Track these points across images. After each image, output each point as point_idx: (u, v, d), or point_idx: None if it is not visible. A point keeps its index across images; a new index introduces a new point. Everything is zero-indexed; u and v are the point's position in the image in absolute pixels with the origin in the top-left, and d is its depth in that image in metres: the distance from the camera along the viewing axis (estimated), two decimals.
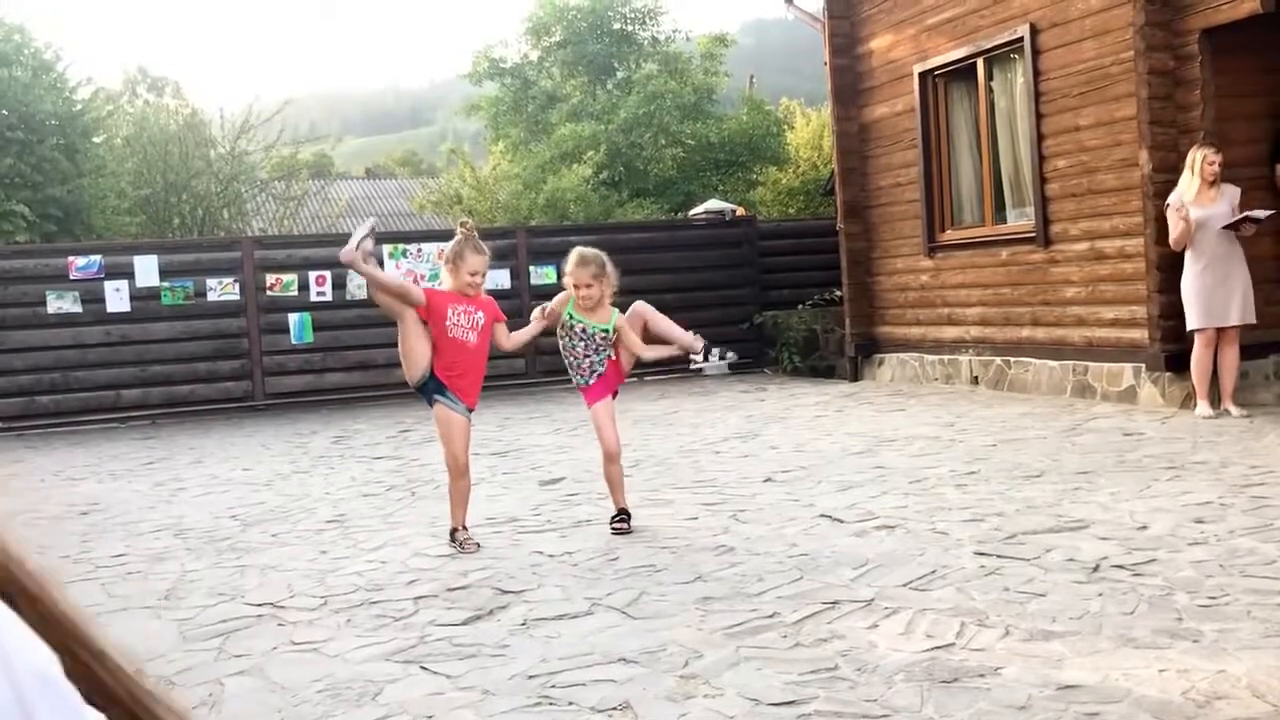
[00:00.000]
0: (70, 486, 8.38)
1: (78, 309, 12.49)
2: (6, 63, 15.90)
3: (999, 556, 4.67)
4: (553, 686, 3.49)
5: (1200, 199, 8.10)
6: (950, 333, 11.34)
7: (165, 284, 12.77)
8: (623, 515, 5.66)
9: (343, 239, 16.83)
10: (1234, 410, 8.07)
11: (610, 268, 5.80)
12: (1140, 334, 8.99)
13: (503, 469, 7.89)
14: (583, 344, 5.74)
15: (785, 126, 24.27)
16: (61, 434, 12.05)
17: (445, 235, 14.44)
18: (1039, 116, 9.92)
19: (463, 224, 5.77)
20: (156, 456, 9.84)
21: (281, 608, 4.63)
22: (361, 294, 13.35)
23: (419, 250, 13.65)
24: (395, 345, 13.85)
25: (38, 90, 16.02)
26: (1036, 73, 9.90)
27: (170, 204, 20.44)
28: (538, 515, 6.15)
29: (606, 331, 5.72)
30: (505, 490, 7.04)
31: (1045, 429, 8.07)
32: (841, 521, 5.51)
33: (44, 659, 0.57)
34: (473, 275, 5.52)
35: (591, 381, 5.76)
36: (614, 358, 5.80)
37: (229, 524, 6.53)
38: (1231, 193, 8.14)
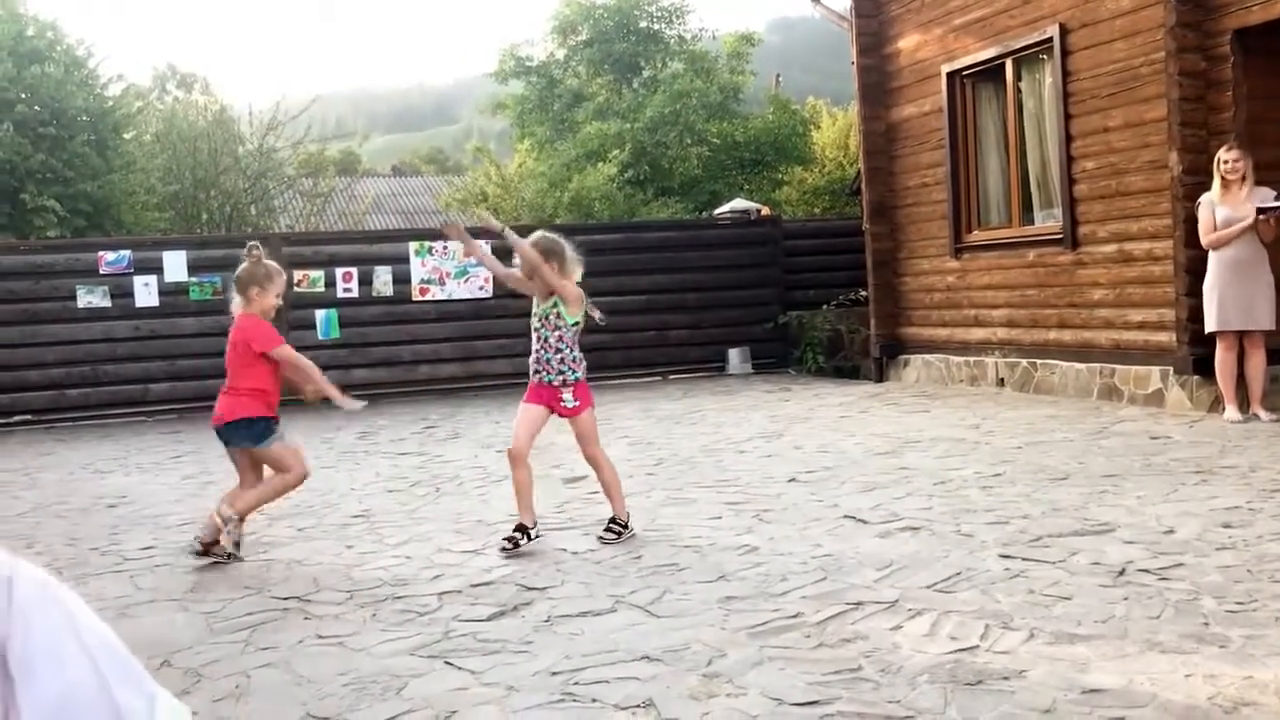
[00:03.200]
0: (99, 479, 8.46)
1: (107, 304, 12.61)
2: (39, 59, 16.06)
3: (1024, 559, 4.65)
4: (576, 683, 3.50)
5: (1228, 200, 8.03)
6: (976, 334, 11.29)
7: (193, 279, 12.87)
8: (616, 525, 5.42)
9: (370, 236, 16.97)
10: (1263, 415, 8.00)
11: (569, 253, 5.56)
12: (1168, 337, 8.93)
13: None
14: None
15: (811, 126, 24.21)
16: (90, 427, 12.16)
17: (472, 234, 14.49)
18: (1068, 117, 9.86)
19: (252, 248, 5.68)
20: (184, 450, 9.92)
21: (307, 602, 4.66)
22: (387, 290, 13.44)
23: (445, 248, 13.69)
24: (421, 343, 13.89)
25: (69, 87, 16.19)
26: (1065, 73, 9.84)
27: (199, 200, 20.61)
28: (561, 513, 6.17)
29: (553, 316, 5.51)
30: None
31: (1071, 432, 8.03)
32: (866, 523, 5.50)
33: (110, 632, 0.61)
34: (277, 298, 5.60)
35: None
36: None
37: (256, 517, 6.55)
38: (1264, 195, 8.05)
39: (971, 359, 11.35)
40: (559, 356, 5.45)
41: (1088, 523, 5.23)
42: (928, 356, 12.05)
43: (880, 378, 12.62)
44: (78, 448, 10.49)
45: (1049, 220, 10.45)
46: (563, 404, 5.47)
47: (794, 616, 4.05)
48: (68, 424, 12.44)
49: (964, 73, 11.25)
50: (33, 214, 15.70)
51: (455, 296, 13.61)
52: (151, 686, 0.65)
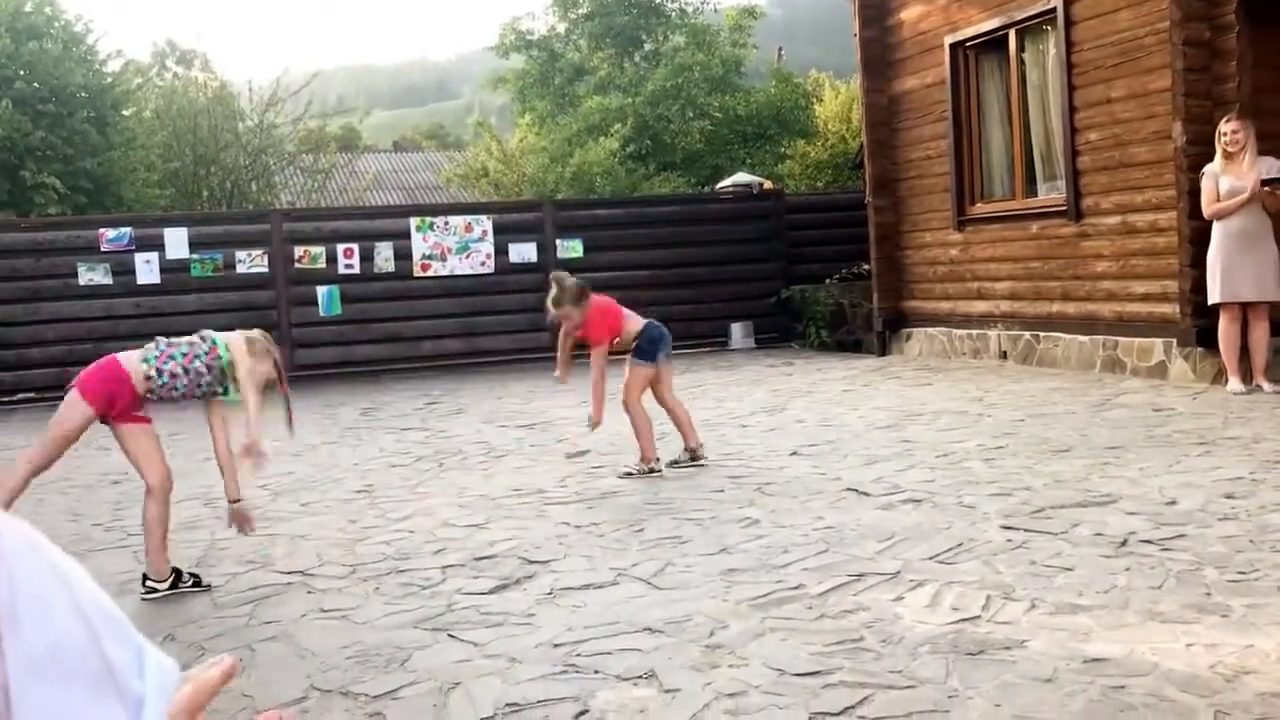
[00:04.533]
0: (102, 456, 8.45)
1: (108, 280, 12.61)
2: (37, 35, 15.99)
3: (1026, 530, 4.65)
4: (578, 655, 3.51)
5: (1231, 170, 7.99)
6: (979, 307, 11.27)
7: (195, 256, 12.86)
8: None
9: (371, 212, 16.91)
10: (1266, 386, 7.98)
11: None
12: (1171, 309, 8.91)
13: (530, 441, 7.92)
14: None
15: (813, 100, 24.12)
16: None
17: (473, 209, 14.49)
18: (1071, 88, 9.80)
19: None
20: (185, 427, 9.91)
21: (311, 576, 4.67)
22: (389, 267, 13.42)
23: (445, 223, 13.66)
24: (423, 319, 13.91)
25: (68, 63, 16.12)
26: (1069, 44, 9.78)
27: (199, 176, 20.58)
28: (564, 487, 6.17)
29: None
30: (532, 462, 7.06)
31: (1074, 404, 8.02)
32: (868, 495, 5.51)
33: (97, 588, 0.61)
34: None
35: None
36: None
37: (259, 493, 6.59)
38: (1269, 165, 8.00)
39: (974, 332, 11.33)
40: None
41: (1090, 494, 5.23)
42: (930, 330, 12.03)
43: (883, 351, 12.60)
44: None
45: (1052, 192, 10.40)
46: None
47: (796, 588, 4.05)
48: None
49: (967, 44, 11.18)
50: (33, 191, 15.68)
51: (457, 272, 13.59)
52: (137, 638, 0.65)
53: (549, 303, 6.33)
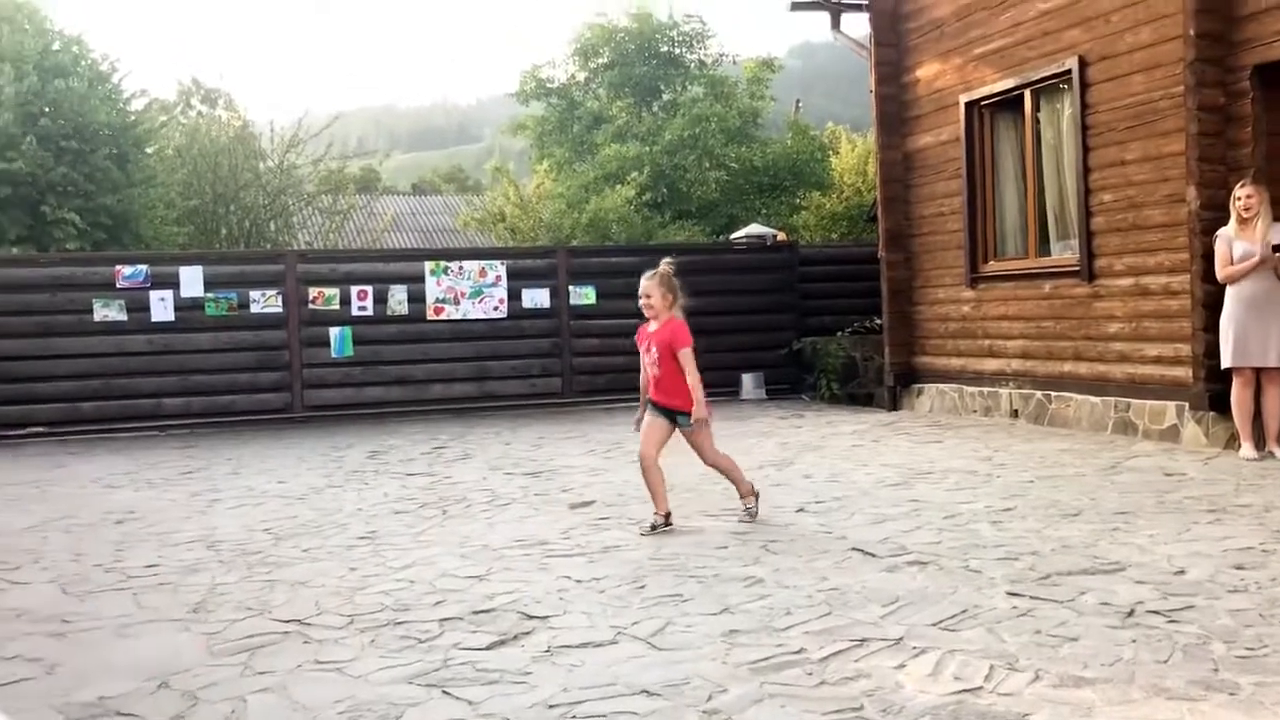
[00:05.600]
0: (108, 494, 8.47)
1: (123, 317, 12.69)
2: (63, 73, 16.19)
3: (1032, 597, 4.59)
4: (573, 717, 3.46)
5: (1244, 235, 7.97)
6: (991, 365, 11.23)
7: (209, 295, 12.94)
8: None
9: (386, 255, 17.06)
10: (1279, 453, 7.91)
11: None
12: (1184, 372, 8.86)
13: (534, 490, 7.89)
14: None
15: (830, 152, 24.23)
16: (103, 440, 12.20)
17: (487, 254, 14.54)
18: (1086, 150, 9.82)
19: None
20: (195, 466, 9.93)
21: (308, 625, 4.64)
22: (402, 309, 13.47)
23: (460, 267, 13.72)
24: (434, 362, 14.03)
25: (93, 101, 16.30)
26: (1084, 106, 9.81)
27: (218, 215, 20.71)
28: (567, 539, 6.13)
29: None
30: (535, 511, 7.03)
31: (1085, 466, 7.96)
32: (874, 556, 5.45)
33: None
34: None
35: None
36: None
37: (261, 537, 6.57)
38: None
39: (986, 389, 11.29)
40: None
41: (1098, 561, 5.17)
42: (942, 386, 11.99)
43: (894, 406, 12.56)
44: (90, 461, 10.51)
45: (1066, 252, 10.40)
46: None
47: (797, 652, 4.00)
48: (81, 437, 12.48)
49: (982, 103, 11.23)
50: (53, 226, 15.80)
51: (470, 316, 13.64)
52: None
53: (645, 275, 6.36)
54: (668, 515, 6.26)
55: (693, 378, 6.20)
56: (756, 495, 6.50)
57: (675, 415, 6.27)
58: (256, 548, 6.27)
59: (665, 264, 6.44)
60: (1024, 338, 10.77)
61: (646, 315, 6.38)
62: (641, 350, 6.38)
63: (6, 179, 15.45)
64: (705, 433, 6.30)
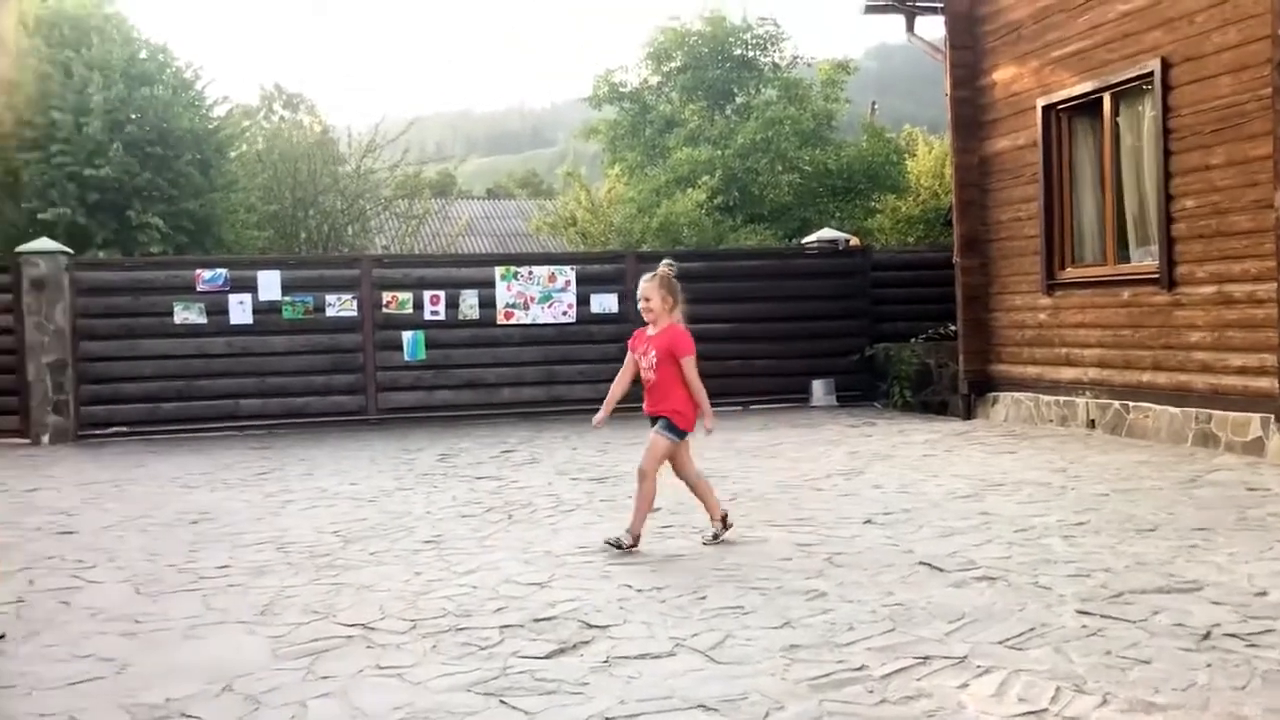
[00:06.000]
0: (185, 494, 8.64)
1: (203, 320, 12.97)
2: (149, 81, 16.61)
3: (1103, 616, 4.48)
4: None
5: None
6: (1067, 373, 11.00)
7: (286, 299, 13.16)
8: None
9: (459, 260, 17.25)
10: None
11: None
12: (1269, 383, 8.58)
13: (599, 496, 7.89)
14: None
15: (906, 154, 23.96)
16: (183, 440, 12.47)
17: (557, 260, 14.60)
18: (1167, 154, 9.57)
19: None
20: (270, 467, 10.10)
21: (371, 629, 4.68)
22: (473, 314, 13.58)
23: (530, 272, 13.80)
24: (504, 366, 14.10)
25: (176, 108, 16.70)
26: (1166, 109, 9.56)
27: (297, 219, 21.09)
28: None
29: None
30: (599, 518, 7.03)
31: (1162, 479, 7.75)
32: (941, 570, 5.36)
33: None
34: None
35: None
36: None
37: (330, 539, 6.66)
38: None
39: (1062, 399, 11.06)
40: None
41: (1173, 579, 5.02)
42: (1017, 394, 11.77)
43: (968, 415, 12.36)
44: (169, 460, 10.75)
45: (1145, 259, 10.14)
46: None
47: (858, 669, 3.94)
48: (162, 437, 12.78)
49: (1060, 106, 11.01)
50: (138, 230, 16.22)
51: (539, 321, 13.71)
52: None
53: (644, 278, 6.21)
54: (725, 517, 6.17)
55: (696, 386, 6.03)
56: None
57: (660, 420, 6.03)
58: (325, 550, 6.35)
59: (665, 266, 6.23)
60: (1101, 346, 10.53)
61: (645, 319, 6.19)
62: (636, 355, 6.14)
63: (95, 185, 15.90)
64: (665, 440, 5.99)
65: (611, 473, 8.97)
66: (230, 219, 18.29)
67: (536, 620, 4.71)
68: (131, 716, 3.75)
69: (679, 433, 6.04)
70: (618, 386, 6.19)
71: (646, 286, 6.14)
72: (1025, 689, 3.68)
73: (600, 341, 13.78)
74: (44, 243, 13.04)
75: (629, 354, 6.26)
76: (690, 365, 6.04)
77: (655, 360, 6.04)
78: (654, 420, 6.07)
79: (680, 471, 6.19)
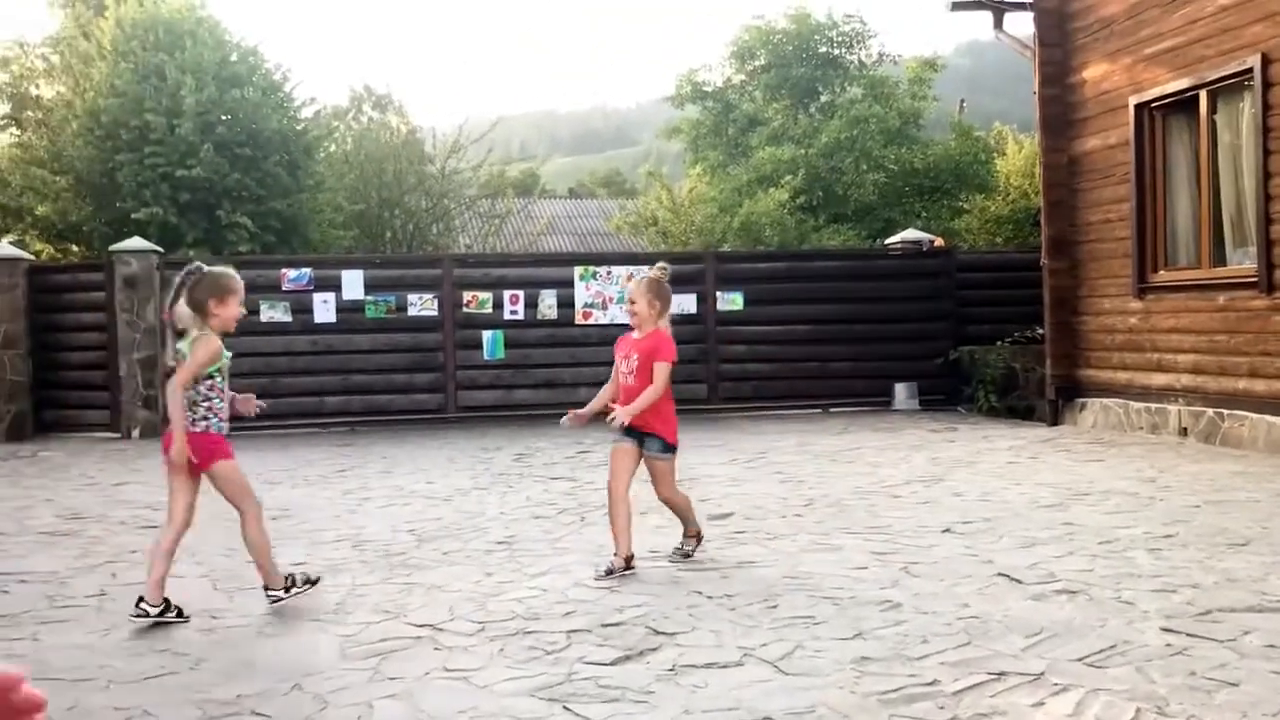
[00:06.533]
0: (267, 490, 8.76)
1: (288, 318, 13.20)
2: (239, 83, 16.97)
3: (1188, 635, 4.31)
4: None
5: None
6: (1159, 380, 10.68)
7: (369, 298, 13.34)
8: None
9: (538, 260, 17.31)
10: None
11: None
12: None
13: None
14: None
15: (996, 153, 23.50)
16: (268, 436, 12.70)
17: (635, 260, 14.60)
18: (1267, 153, 9.23)
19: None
20: (349, 464, 10.24)
21: (440, 631, 4.69)
22: (552, 314, 13.63)
23: (608, 272, 13.80)
24: (581, 365, 14.08)
25: (265, 110, 17.05)
26: (1266, 106, 9.22)
27: (383, 219, 21.38)
28: (701, 552, 6.06)
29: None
30: (671, 521, 6.96)
31: (1258, 491, 7.47)
32: (1020, 582, 5.21)
33: None
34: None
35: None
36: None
37: (405, 538, 6.71)
38: None
39: (1153, 405, 10.73)
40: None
41: (1266, 598, 4.82)
42: (1106, 401, 11.46)
43: (1055, 421, 12.06)
44: (252, 456, 10.92)
45: (1243, 262, 9.79)
46: None
47: (930, 684, 3.84)
48: (248, 433, 13.01)
49: (1153, 105, 10.68)
50: (227, 230, 16.58)
51: (617, 321, 13.67)
52: None
53: (632, 283, 5.98)
54: (629, 559, 5.62)
55: (656, 389, 5.67)
56: (699, 539, 6.00)
57: (644, 438, 5.71)
58: (399, 549, 6.40)
59: (657, 269, 5.98)
60: (1195, 352, 10.19)
61: (630, 323, 5.95)
62: (619, 358, 5.88)
63: (186, 185, 16.29)
64: (668, 463, 5.78)
65: (685, 475, 8.89)
66: (317, 219, 18.61)
67: (604, 625, 4.68)
68: (202, 712, 3.81)
69: (672, 449, 5.81)
70: (607, 390, 5.96)
71: (634, 289, 5.91)
72: (1104, 709, 3.55)
73: (678, 342, 13.70)
74: (136, 242, 13.38)
75: (616, 357, 6.00)
76: (662, 369, 5.71)
77: (636, 365, 5.77)
78: (629, 431, 5.71)
79: (659, 489, 5.89)
